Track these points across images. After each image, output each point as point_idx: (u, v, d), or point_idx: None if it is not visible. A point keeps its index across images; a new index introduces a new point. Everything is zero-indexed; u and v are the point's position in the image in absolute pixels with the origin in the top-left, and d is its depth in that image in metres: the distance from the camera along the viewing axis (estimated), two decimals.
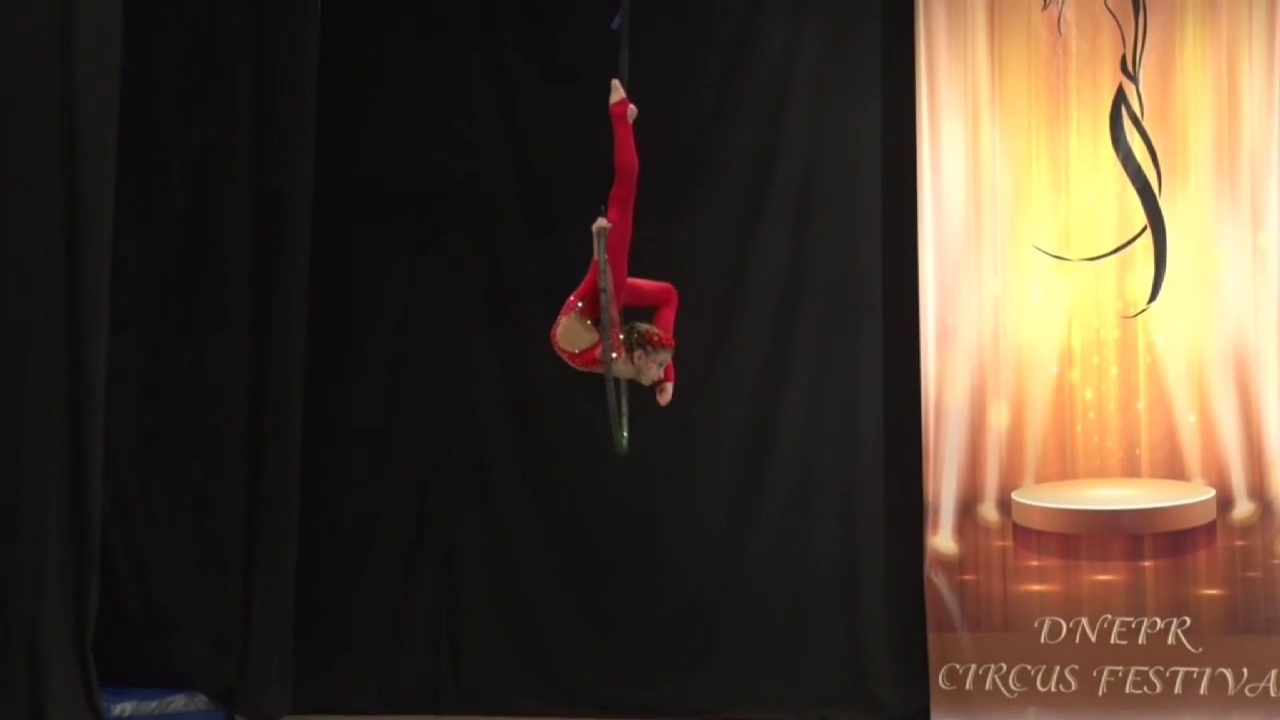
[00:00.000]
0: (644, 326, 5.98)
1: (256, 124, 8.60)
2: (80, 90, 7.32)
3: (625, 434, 5.92)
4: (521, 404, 9.00)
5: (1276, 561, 8.28)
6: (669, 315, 6.11)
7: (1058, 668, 8.35)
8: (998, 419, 8.50)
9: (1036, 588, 8.42)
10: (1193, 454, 8.39)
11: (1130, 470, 8.42)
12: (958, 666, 8.42)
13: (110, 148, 7.44)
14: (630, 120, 6.04)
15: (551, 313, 8.52)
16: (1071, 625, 8.36)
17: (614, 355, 5.82)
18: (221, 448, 8.53)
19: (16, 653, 7.19)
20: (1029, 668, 8.38)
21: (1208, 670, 8.25)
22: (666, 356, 5.99)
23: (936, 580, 8.46)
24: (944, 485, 8.51)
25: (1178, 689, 8.26)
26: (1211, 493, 8.35)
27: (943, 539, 8.50)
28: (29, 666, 7.19)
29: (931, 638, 8.47)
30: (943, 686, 8.42)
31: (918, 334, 8.58)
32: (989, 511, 8.49)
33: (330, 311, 8.94)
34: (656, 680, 8.73)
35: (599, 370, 5.96)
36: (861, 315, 8.77)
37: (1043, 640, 8.37)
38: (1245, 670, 8.22)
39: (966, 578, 8.47)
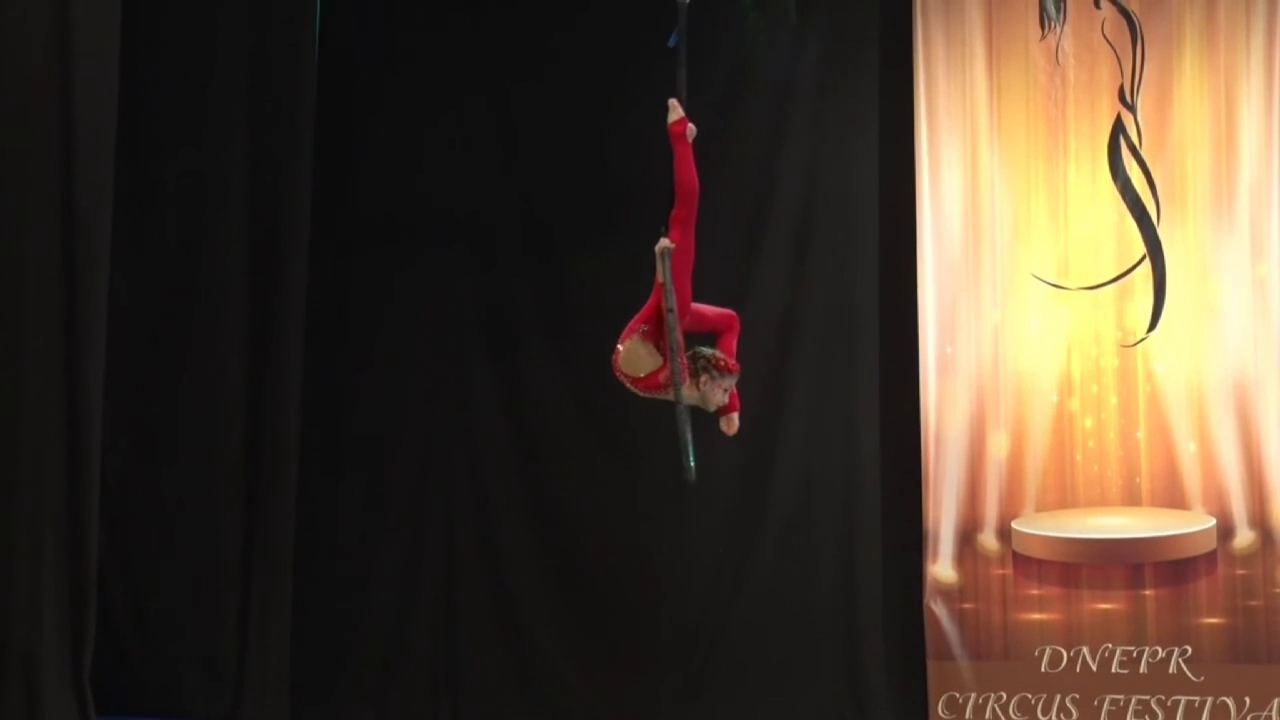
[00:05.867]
0: (709, 351, 5.85)
1: (253, 150, 8.55)
2: (78, 112, 7.30)
3: (693, 461, 5.80)
4: (520, 433, 8.96)
5: (1278, 590, 8.24)
6: (731, 342, 5.98)
7: (1058, 697, 8.30)
8: (997, 448, 8.48)
9: (1037, 616, 8.38)
10: (1193, 483, 8.36)
11: (1130, 499, 8.38)
12: (957, 695, 8.38)
13: (108, 171, 7.41)
14: (690, 139, 5.94)
15: (550, 341, 8.85)
16: (1072, 654, 8.32)
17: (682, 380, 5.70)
18: (217, 475, 8.47)
19: (13, 683, 7.13)
20: (1029, 697, 8.33)
21: (1209, 699, 8.20)
22: (732, 382, 5.86)
23: (936, 609, 8.42)
24: (943, 514, 8.48)
25: (1179, 718, 8.22)
26: (1212, 521, 8.31)
27: (942, 567, 8.46)
28: (26, 697, 7.14)
29: (931, 666, 8.43)
30: (942, 715, 8.38)
31: (917, 363, 8.55)
32: (989, 540, 8.47)
33: (327, 340, 8.88)
34: (656, 709, 8.68)
35: (661, 395, 5.83)
36: (860, 344, 8.71)
37: (1043, 669, 8.34)
38: (1247, 699, 8.18)
39: (966, 606, 8.44)
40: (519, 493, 8.95)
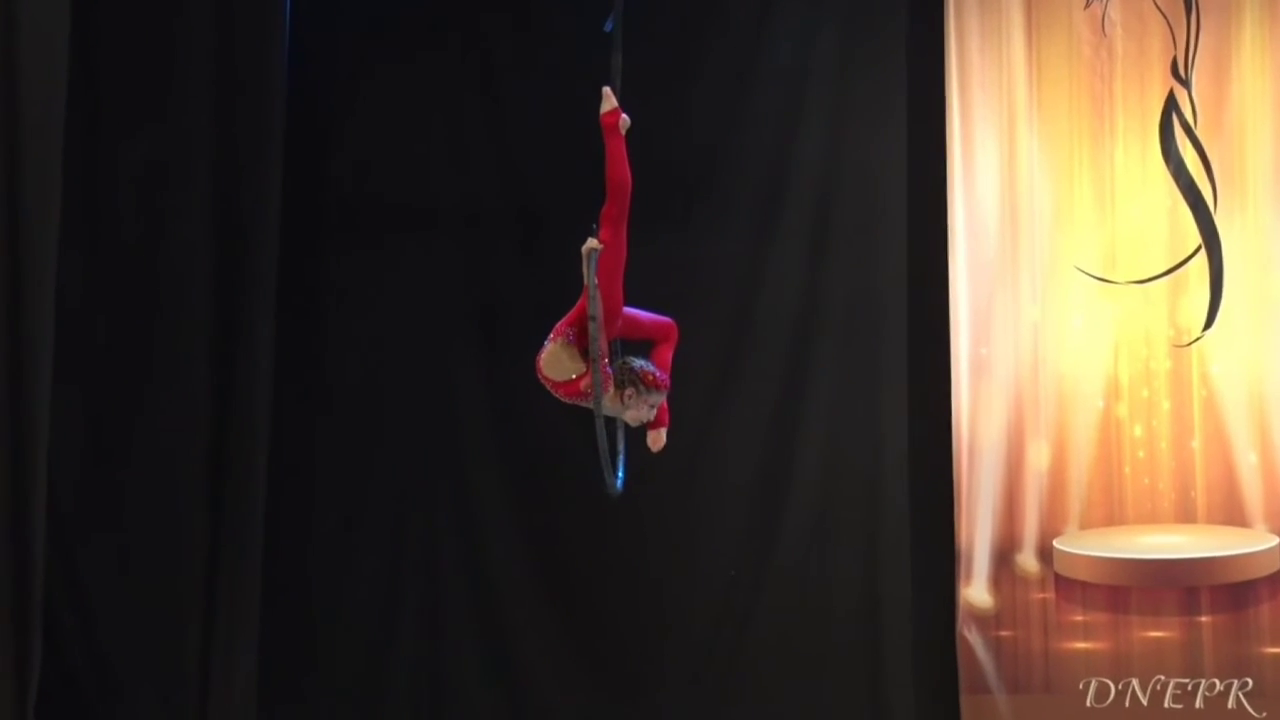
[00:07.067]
0: (639, 364, 5.77)
1: (218, 139, 8.31)
2: (22, 102, 7.11)
3: (619, 475, 5.74)
4: (511, 442, 8.63)
5: None
6: (667, 354, 5.91)
7: None
8: (1037, 459, 8.16)
9: (1081, 645, 8.09)
10: (1254, 497, 8.01)
11: (1185, 515, 8.07)
12: None
13: (55, 168, 7.21)
14: (623, 131, 5.84)
15: (542, 340, 8.53)
16: (1120, 687, 7.99)
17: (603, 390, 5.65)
18: (178, 490, 8.19)
19: None
20: None
21: None
22: (659, 399, 5.78)
23: (970, 637, 8.12)
24: (978, 532, 8.15)
25: None
26: (1275, 540, 7.99)
27: (977, 591, 8.15)
28: None
29: (964, 701, 8.11)
30: None
31: (948, 365, 8.22)
32: (1028, 561, 8.14)
33: (301, 342, 8.59)
34: None
35: (583, 403, 5.77)
36: (885, 345, 8.40)
37: (1089, 703, 8.01)
38: None
39: (1003, 634, 8.12)
40: (510, 507, 8.63)
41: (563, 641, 8.52)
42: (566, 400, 5.84)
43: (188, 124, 8.30)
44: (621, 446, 5.77)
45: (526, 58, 8.74)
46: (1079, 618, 8.07)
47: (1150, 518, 8.09)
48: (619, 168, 5.78)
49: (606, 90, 5.89)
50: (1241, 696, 7.89)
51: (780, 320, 8.44)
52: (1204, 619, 7.98)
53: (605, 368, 5.65)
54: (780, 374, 8.43)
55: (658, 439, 5.89)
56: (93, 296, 8.18)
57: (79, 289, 8.00)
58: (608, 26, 6.07)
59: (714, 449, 8.43)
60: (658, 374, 5.73)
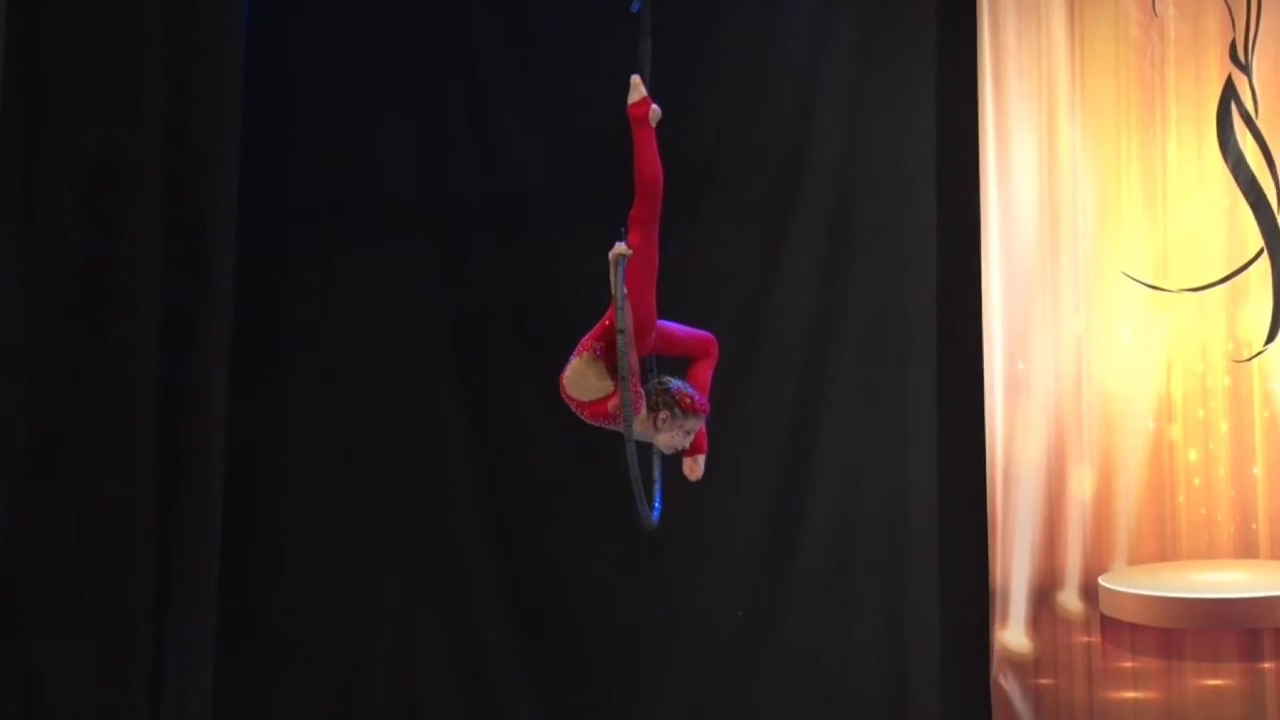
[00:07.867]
0: (675, 384, 5.55)
1: (170, 131, 8.08)
2: None
3: (656, 505, 5.53)
4: (493, 467, 8.31)
5: None
6: (706, 373, 5.73)
7: None
8: (1081, 487, 7.89)
9: (1130, 695, 7.82)
10: None
11: (1245, 550, 7.80)
12: None
13: None
14: (654, 123, 5.65)
15: (528, 352, 8.21)
16: None
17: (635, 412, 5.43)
18: (126, 527, 7.87)
19: None
20: None
21: None
22: (697, 424, 5.55)
23: (1006, 685, 7.82)
24: (1015, 568, 7.88)
25: None
26: None
27: (1013, 634, 7.86)
28: None
29: None
30: None
31: (981, 383, 7.97)
32: (1070, 600, 7.86)
33: (259, 356, 8.29)
34: None
35: (611, 426, 5.52)
36: (912, 360, 8.15)
37: None
38: None
39: (1043, 682, 7.84)
40: (495, 541, 8.28)
41: (551, 685, 8.20)
42: (592, 422, 5.58)
43: (139, 117, 8.08)
44: (657, 473, 5.56)
45: (517, 39, 8.55)
46: (1127, 664, 7.82)
47: (1207, 552, 7.85)
48: (649, 164, 5.58)
49: (635, 79, 5.69)
50: None
51: (796, 332, 8.20)
52: (1267, 665, 7.70)
53: (637, 387, 5.43)
54: (795, 392, 8.18)
55: (695, 467, 5.67)
56: (32, 304, 7.92)
57: (19, 295, 7.82)
58: (635, 7, 5.89)
59: (722, 474, 7.71)
60: (695, 396, 5.49)
